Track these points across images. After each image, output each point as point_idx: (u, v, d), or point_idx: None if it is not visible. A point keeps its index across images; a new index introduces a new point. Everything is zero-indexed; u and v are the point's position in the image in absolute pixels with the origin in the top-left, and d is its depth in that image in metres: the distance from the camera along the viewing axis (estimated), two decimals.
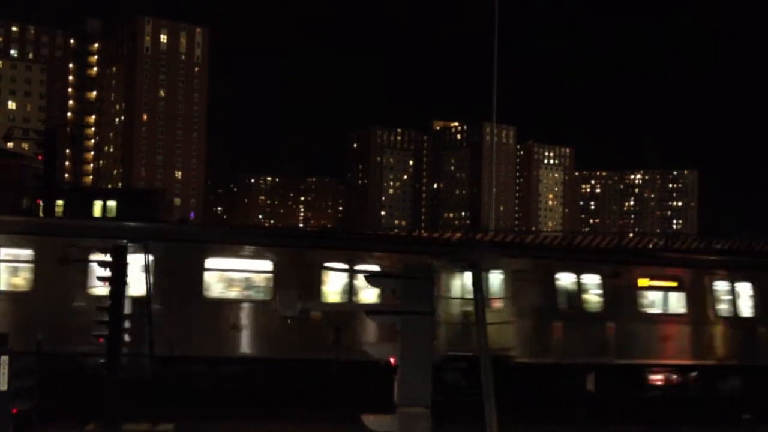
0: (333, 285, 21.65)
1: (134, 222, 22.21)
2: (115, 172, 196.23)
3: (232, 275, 20.95)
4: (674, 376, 23.40)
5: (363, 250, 21.92)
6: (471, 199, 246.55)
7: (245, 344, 20.39)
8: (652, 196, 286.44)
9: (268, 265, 20.93)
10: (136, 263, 19.00)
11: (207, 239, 21.45)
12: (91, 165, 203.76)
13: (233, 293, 20.96)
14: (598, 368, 22.15)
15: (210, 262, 20.58)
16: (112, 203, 43.73)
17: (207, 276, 20.50)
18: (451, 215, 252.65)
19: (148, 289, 18.95)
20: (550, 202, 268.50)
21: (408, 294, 11.50)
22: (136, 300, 18.83)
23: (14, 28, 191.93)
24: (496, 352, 20.29)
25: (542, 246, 36.04)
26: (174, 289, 20.04)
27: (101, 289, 18.36)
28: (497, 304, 21.99)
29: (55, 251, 19.47)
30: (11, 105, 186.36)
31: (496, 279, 22.57)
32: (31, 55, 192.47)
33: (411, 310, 11.38)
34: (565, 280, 22.91)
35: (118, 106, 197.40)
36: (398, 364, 11.40)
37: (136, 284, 19.06)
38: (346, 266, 21.32)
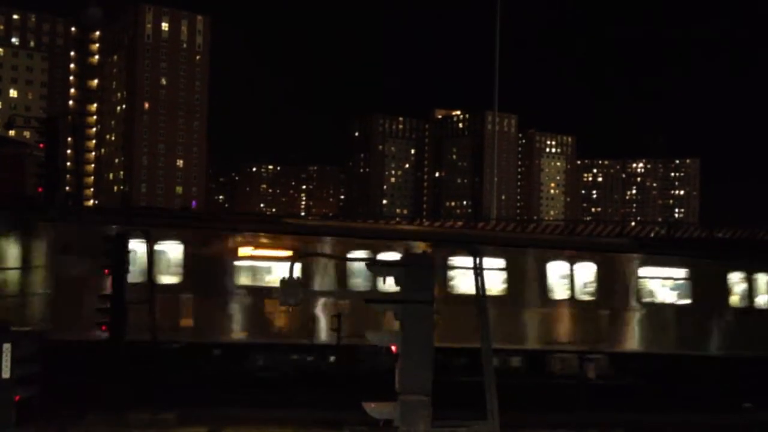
0: None
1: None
2: (116, 160, 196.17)
3: None
4: None
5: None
6: (472, 188, 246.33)
7: None
8: (654, 184, 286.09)
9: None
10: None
11: None
12: (93, 153, 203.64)
13: None
14: None
15: None
16: None
17: None
18: (453, 204, 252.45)
19: (150, 277, 18.99)
20: (552, 191, 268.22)
21: (409, 283, 11.52)
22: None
23: (15, 16, 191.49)
24: None
25: None
26: None
27: None
28: None
29: None
30: (12, 93, 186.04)
31: None
32: (32, 43, 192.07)
33: (412, 298, 11.40)
34: None
35: (119, 94, 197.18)
36: (399, 352, 11.44)
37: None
38: None
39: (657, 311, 23.45)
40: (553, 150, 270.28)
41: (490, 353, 12.08)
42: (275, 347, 20.94)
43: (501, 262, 22.76)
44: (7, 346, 13.46)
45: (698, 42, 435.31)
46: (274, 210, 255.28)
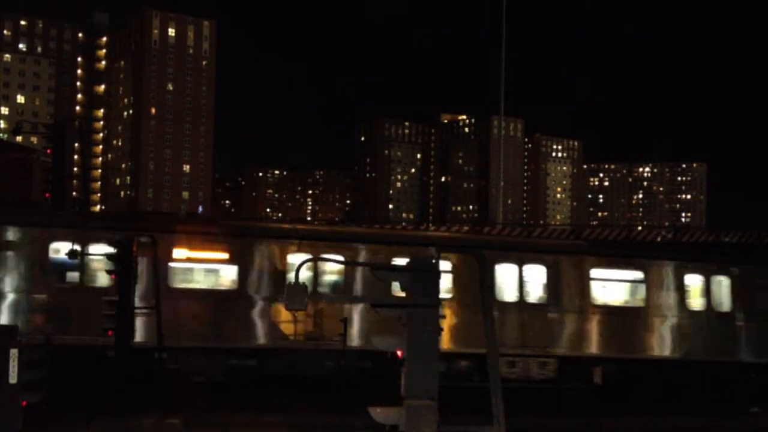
0: None
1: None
2: (123, 165, 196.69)
3: None
4: None
5: None
6: (479, 193, 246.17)
7: None
8: (661, 189, 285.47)
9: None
10: None
11: None
12: (100, 159, 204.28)
13: None
14: None
15: None
16: None
17: None
18: (459, 208, 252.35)
19: (157, 282, 19.01)
20: (558, 195, 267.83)
21: (414, 287, 11.52)
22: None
23: (23, 22, 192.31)
24: None
25: None
26: None
27: None
28: None
29: None
30: (20, 99, 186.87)
31: None
32: (39, 49, 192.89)
33: (417, 303, 11.41)
34: None
35: (126, 100, 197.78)
36: (405, 356, 11.43)
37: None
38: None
39: None
40: (560, 154, 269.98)
41: (497, 358, 12.06)
42: None
43: None
44: (14, 351, 13.46)
45: (707, 43, 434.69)
46: (280, 215, 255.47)
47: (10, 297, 19.07)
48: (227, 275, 20.67)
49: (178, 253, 20.03)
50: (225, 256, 20.52)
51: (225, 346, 20.12)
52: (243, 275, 20.43)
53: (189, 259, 20.36)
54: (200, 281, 20.68)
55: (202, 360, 19.93)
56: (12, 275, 19.16)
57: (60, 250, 19.14)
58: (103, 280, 18.94)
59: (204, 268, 20.71)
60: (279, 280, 19.97)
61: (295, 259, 20.20)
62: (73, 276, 19.81)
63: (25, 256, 19.27)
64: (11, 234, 19.11)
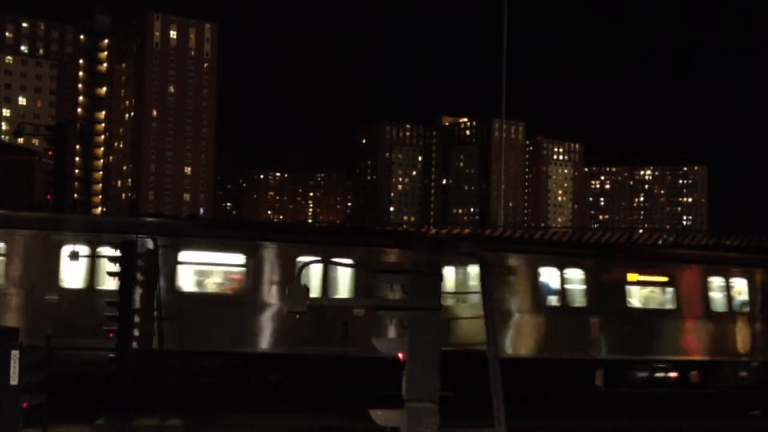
0: None
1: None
2: (124, 167, 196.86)
3: None
4: None
5: None
6: (480, 195, 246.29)
7: None
8: (662, 192, 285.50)
9: None
10: None
11: None
12: (101, 161, 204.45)
13: None
14: None
15: None
16: None
17: None
18: (460, 211, 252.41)
19: (157, 284, 19.02)
20: (560, 198, 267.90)
21: (415, 289, 11.52)
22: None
23: (24, 24, 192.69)
24: None
25: None
26: None
27: None
28: None
29: None
30: (21, 101, 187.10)
31: None
32: (41, 51, 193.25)
33: (418, 305, 11.40)
34: None
35: (127, 102, 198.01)
36: (406, 359, 11.42)
37: None
38: None
39: None
40: (561, 157, 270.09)
41: (497, 359, 12.06)
42: None
43: None
44: (15, 353, 13.43)
45: (706, 49, 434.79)
46: (281, 217, 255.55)
47: (512, 317, 21.46)
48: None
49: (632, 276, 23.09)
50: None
51: None
52: None
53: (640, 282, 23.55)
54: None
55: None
56: (510, 297, 21.59)
57: (541, 273, 22.05)
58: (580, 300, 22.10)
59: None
60: None
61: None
62: (554, 299, 22.13)
63: (521, 280, 21.81)
64: (512, 260, 21.87)
